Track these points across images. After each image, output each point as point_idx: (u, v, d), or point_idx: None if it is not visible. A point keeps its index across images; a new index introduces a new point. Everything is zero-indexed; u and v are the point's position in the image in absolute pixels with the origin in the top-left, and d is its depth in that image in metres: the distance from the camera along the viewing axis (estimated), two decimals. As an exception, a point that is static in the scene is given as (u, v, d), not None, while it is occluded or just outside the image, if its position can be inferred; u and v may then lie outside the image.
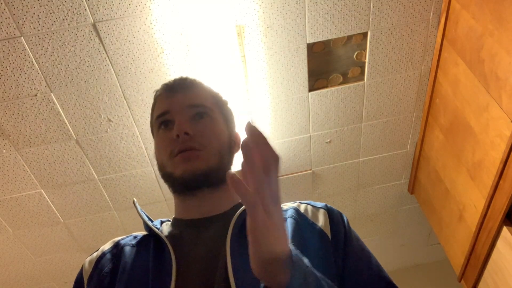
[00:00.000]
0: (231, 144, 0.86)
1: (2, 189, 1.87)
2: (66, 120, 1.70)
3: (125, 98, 1.69)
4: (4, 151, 1.75)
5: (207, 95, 0.85)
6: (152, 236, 0.80)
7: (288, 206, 0.83)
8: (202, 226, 0.79)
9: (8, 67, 1.52)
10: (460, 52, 1.57)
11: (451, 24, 1.60)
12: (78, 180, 1.91)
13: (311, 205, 0.82)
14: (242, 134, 0.90)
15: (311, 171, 2.14)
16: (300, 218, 0.78)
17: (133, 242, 0.82)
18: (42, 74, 1.56)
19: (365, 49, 1.75)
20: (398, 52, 1.76)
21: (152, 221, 0.86)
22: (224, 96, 0.91)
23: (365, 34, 1.70)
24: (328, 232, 0.76)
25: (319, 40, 1.68)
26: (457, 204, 1.82)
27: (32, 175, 1.85)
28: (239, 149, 0.88)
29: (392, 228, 2.64)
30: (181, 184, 0.78)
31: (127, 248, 0.80)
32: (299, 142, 2.00)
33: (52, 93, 1.62)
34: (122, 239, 0.83)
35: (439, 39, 1.69)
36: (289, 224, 0.76)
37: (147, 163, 1.91)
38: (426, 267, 3.01)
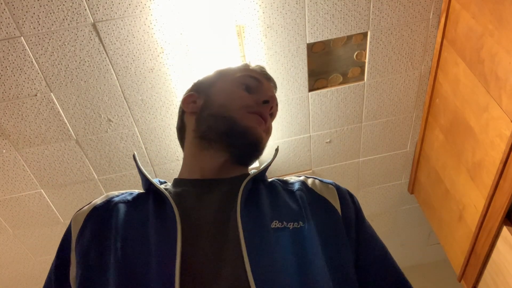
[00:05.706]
0: None
1: (2, 189, 1.87)
2: (66, 120, 1.70)
3: (125, 98, 1.69)
4: (4, 151, 1.75)
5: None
6: (151, 192, 0.75)
7: (294, 179, 0.81)
8: (207, 187, 0.75)
9: (8, 67, 1.52)
10: (460, 52, 1.57)
11: (451, 24, 1.60)
12: (78, 180, 1.91)
13: (319, 180, 0.81)
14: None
15: (311, 171, 2.14)
16: (307, 191, 0.76)
17: (129, 197, 0.76)
18: (42, 74, 1.56)
19: (365, 49, 1.74)
20: (398, 52, 1.76)
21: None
22: None
23: (365, 34, 1.70)
24: (338, 207, 0.75)
25: (319, 40, 1.68)
26: (457, 204, 1.82)
27: (32, 175, 1.85)
28: None
29: (392, 228, 2.63)
30: (235, 136, 0.77)
31: (122, 205, 0.74)
32: (299, 142, 1.99)
33: (52, 93, 1.62)
34: (116, 196, 0.77)
35: (439, 39, 1.69)
36: (298, 197, 0.74)
37: (147, 163, 1.91)
38: (426, 267, 3.01)
